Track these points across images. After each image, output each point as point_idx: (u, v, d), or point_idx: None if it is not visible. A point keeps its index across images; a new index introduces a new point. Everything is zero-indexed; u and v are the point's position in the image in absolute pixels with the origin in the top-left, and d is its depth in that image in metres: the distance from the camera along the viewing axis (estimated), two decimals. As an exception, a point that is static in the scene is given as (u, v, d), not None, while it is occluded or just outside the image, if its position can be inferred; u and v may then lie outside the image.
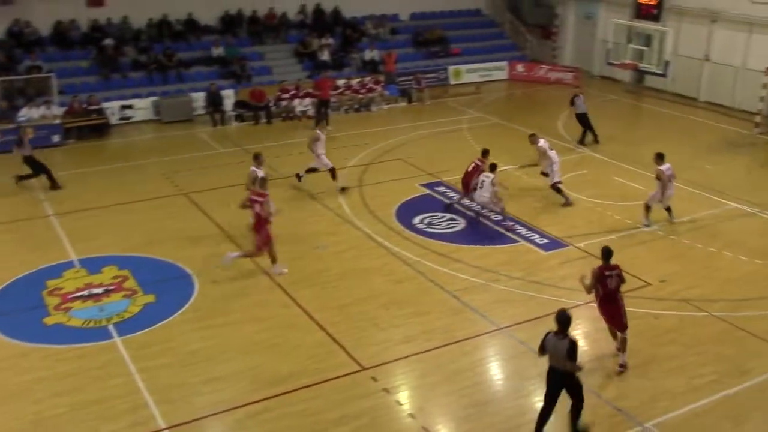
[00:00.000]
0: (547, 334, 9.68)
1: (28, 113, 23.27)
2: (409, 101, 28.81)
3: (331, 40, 30.47)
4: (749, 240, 16.24)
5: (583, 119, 23.32)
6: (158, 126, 25.47)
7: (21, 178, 19.36)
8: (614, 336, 11.73)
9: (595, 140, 23.36)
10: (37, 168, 19.38)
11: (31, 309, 13.40)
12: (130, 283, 14.17)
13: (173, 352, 12.06)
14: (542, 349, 9.71)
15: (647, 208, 16.87)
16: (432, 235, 16.43)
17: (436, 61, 31.95)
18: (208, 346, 12.24)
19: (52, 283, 14.26)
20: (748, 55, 26.74)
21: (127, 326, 12.77)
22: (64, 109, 24.11)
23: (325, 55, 29.71)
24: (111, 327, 12.75)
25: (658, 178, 16.44)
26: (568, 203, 18.08)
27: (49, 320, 13.00)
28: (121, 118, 25.14)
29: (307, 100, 26.78)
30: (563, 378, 9.66)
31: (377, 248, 15.93)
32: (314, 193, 18.97)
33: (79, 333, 12.61)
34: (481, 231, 16.87)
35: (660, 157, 16.54)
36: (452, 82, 31.53)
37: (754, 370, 11.53)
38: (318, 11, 31.46)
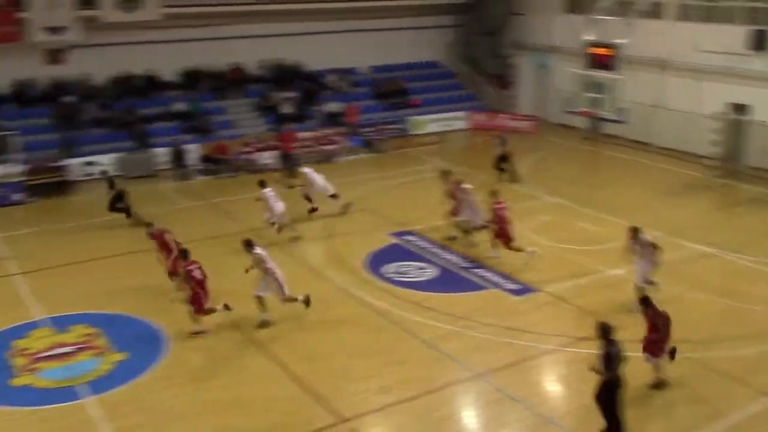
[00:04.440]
0: (612, 347, 10.35)
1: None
2: (373, 152, 29.12)
3: (292, 94, 30.78)
4: (711, 279, 16.61)
5: (501, 159, 24.49)
6: (122, 182, 25.21)
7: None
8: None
9: (513, 179, 24.32)
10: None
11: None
12: (101, 340, 13.90)
13: (146, 411, 11.82)
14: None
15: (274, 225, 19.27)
16: (403, 284, 16.50)
17: (396, 113, 32.45)
18: (181, 403, 12.03)
19: (17, 344, 13.92)
20: (699, 101, 27.71)
21: (98, 385, 12.51)
22: (25, 167, 23.83)
23: (287, 108, 29.97)
24: (82, 386, 12.46)
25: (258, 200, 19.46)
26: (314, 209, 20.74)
27: (16, 382, 12.67)
28: (84, 175, 24.92)
29: (271, 153, 26.92)
30: None
31: (348, 299, 15.93)
32: (282, 245, 18.95)
33: (48, 394, 12.31)
34: (451, 278, 16.98)
35: (262, 184, 19.66)
36: (413, 132, 31.99)
37: (729, 411, 11.70)
38: (278, 65, 31.82)
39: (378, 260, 17.83)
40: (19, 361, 13.31)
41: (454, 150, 29.97)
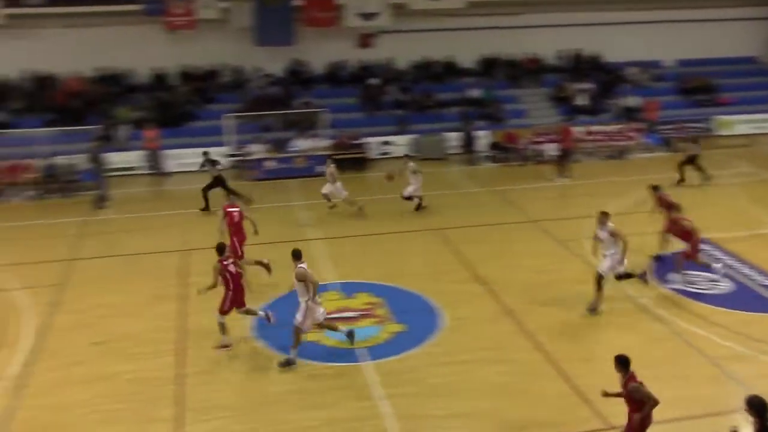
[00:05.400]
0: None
1: (302, 144, 25.46)
2: (670, 151, 27.39)
3: (588, 85, 29.94)
4: None
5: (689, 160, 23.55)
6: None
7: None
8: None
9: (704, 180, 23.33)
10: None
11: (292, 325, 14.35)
12: (382, 310, 14.71)
13: (418, 382, 12.28)
14: None
15: None
16: (690, 295, 15.35)
17: (700, 110, 30.14)
18: (451, 381, 12.33)
19: (310, 304, 15.19)
20: None
21: (376, 352, 13.25)
22: (331, 141, 26.01)
23: (581, 100, 29.25)
24: (362, 351, 13.30)
25: None
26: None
27: (309, 337, 13.83)
28: (381, 153, 26.55)
29: (556, 145, 26.49)
30: None
31: (629, 303, 15.17)
32: (562, 239, 18.60)
33: (332, 352, 13.31)
34: (749, 295, 15.44)
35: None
36: (719, 132, 29.49)
37: None
38: (576, 56, 31.13)
39: (665, 266, 16.75)
40: (312, 319, 14.54)
41: (765, 155, 27.15)
